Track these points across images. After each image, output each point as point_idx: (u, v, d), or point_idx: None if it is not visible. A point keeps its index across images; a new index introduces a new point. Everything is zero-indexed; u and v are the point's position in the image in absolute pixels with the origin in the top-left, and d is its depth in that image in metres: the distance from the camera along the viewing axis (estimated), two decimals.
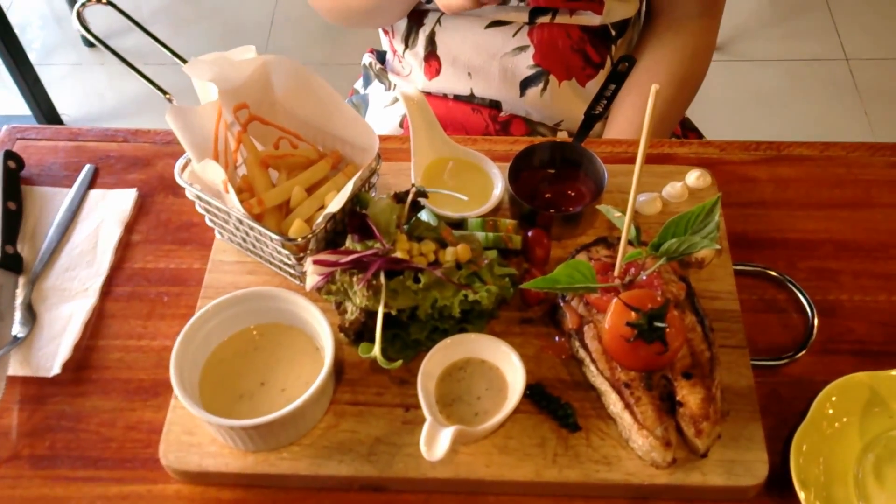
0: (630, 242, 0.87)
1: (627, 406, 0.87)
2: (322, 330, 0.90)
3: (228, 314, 0.94)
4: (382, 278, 0.87)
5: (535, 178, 1.13)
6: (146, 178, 1.25)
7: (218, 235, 1.09)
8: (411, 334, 0.94)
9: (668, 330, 0.86)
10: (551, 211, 1.06)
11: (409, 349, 0.96)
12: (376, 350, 0.87)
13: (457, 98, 1.44)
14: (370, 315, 0.90)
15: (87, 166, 1.25)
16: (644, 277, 0.92)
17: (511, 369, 0.92)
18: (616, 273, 0.91)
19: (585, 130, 1.15)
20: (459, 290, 0.91)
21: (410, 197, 0.94)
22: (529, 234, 1.04)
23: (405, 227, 0.95)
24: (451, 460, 0.87)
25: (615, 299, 0.88)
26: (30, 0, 3.31)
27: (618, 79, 1.23)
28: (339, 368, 0.96)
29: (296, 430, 0.89)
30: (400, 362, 0.87)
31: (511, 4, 1.30)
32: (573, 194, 1.11)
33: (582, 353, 0.93)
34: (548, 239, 1.05)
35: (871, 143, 1.24)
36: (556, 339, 0.98)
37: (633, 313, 0.86)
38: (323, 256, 0.88)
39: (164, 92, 0.97)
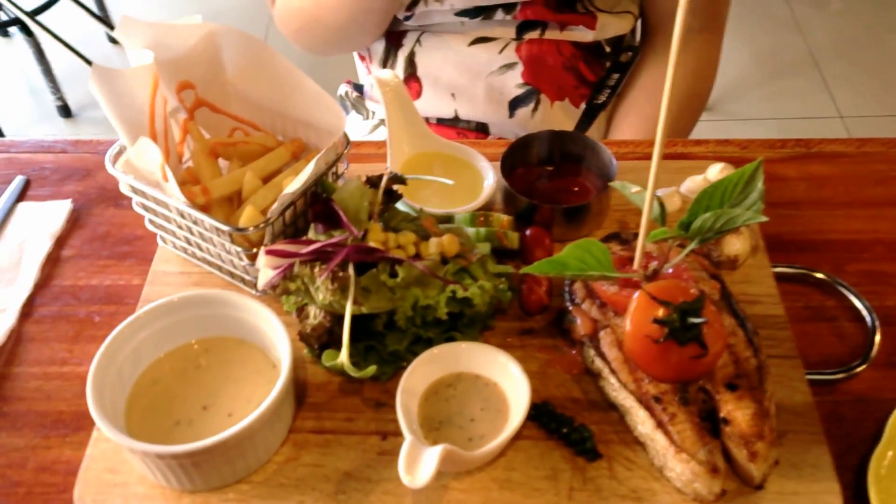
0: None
1: (660, 425, 0.71)
2: (278, 340, 0.74)
3: (164, 324, 0.78)
4: (351, 270, 0.72)
5: (531, 175, 1.00)
6: (84, 189, 1.12)
7: (160, 242, 0.94)
8: (388, 345, 0.79)
9: (706, 327, 0.70)
10: (552, 205, 0.92)
11: (387, 364, 0.80)
12: (343, 356, 0.71)
13: (440, 121, 1.33)
14: (337, 320, 0.75)
15: (18, 178, 1.12)
16: (670, 270, 0.78)
17: (512, 384, 0.76)
18: (636, 264, 0.76)
19: (588, 122, 1.03)
20: (446, 287, 0.76)
21: (384, 181, 0.80)
22: (527, 232, 0.90)
23: (379, 215, 0.80)
24: (441, 499, 0.70)
25: (638, 292, 0.73)
26: None
27: (621, 68, 1.12)
28: (300, 390, 0.80)
29: (244, 464, 0.72)
30: (373, 369, 0.71)
31: (496, 18, 1.20)
32: (576, 190, 0.97)
33: (598, 363, 0.77)
34: (549, 239, 0.90)
35: None
36: (565, 350, 0.82)
37: (661, 308, 0.71)
38: (279, 247, 0.74)
39: (88, 62, 0.84)
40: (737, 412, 0.71)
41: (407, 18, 1.25)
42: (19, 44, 2.96)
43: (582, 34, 1.23)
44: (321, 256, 0.73)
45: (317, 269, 0.71)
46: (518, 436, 0.75)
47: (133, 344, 0.77)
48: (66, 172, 1.15)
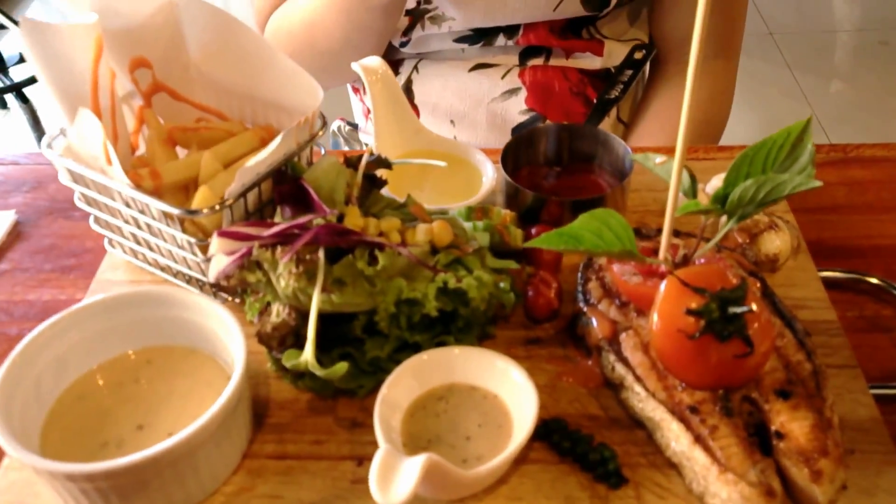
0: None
1: (698, 440, 0.60)
2: (233, 344, 0.64)
3: (96, 329, 0.68)
4: (321, 255, 0.62)
5: (537, 175, 0.91)
6: (32, 200, 1.03)
7: (108, 247, 0.85)
8: (367, 352, 0.68)
9: (751, 318, 0.60)
10: (561, 198, 0.82)
11: (366, 376, 0.69)
12: (307, 352, 0.60)
13: None
14: (304, 317, 0.64)
15: None
16: (701, 261, 0.68)
17: (515, 396, 0.65)
18: (662, 251, 0.66)
19: (599, 116, 0.95)
20: (436, 277, 0.65)
21: (365, 159, 0.71)
22: (533, 230, 0.81)
23: (359, 200, 0.71)
24: None
25: (668, 278, 0.63)
26: None
27: (634, 65, 1.05)
28: (260, 409, 0.69)
29: (183, 493, 0.60)
30: (343, 366, 0.60)
31: (498, 44, 1.15)
32: (588, 188, 0.88)
33: (620, 370, 0.66)
34: None
35: None
36: (579, 361, 0.71)
37: (695, 297, 0.61)
38: (235, 228, 0.64)
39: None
40: (792, 424, 0.60)
41: (403, 45, 1.20)
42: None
43: (589, 61, 1.17)
44: (286, 240, 0.63)
45: (279, 252, 0.61)
46: (524, 459, 0.64)
47: (56, 352, 0.66)
48: (15, 184, 1.07)
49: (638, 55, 1.06)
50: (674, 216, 0.63)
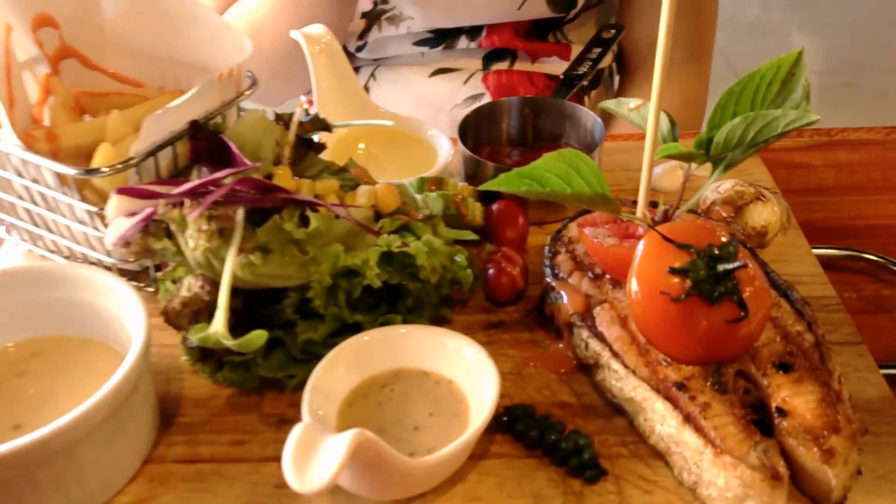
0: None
1: (688, 419, 0.52)
2: (132, 323, 0.55)
3: None
4: (240, 214, 0.54)
5: (500, 154, 0.84)
6: None
7: (4, 234, 0.75)
8: (300, 334, 0.59)
9: (744, 277, 0.53)
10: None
11: (297, 364, 0.60)
12: (217, 322, 0.51)
13: None
14: (218, 288, 0.55)
15: None
16: (680, 217, 0.61)
17: (473, 379, 0.56)
18: (640, 207, 0.59)
19: (565, 91, 0.89)
20: (380, 242, 0.57)
21: (297, 116, 0.63)
22: (495, 206, 0.73)
23: (292, 163, 0.63)
24: None
25: (647, 234, 0.56)
26: None
27: (602, 44, 0.99)
28: (169, 407, 0.60)
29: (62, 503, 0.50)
30: (260, 335, 0.51)
31: (460, 47, 1.10)
32: None
33: (595, 347, 0.58)
34: (524, 216, 0.73)
35: None
36: (548, 344, 0.63)
37: (680, 254, 0.53)
38: (138, 186, 0.55)
39: None
40: (796, 399, 0.52)
41: (360, 49, 1.14)
42: None
43: (556, 66, 1.12)
44: (198, 197, 0.55)
45: (187, 207, 0.53)
46: (485, 453, 0.55)
47: None
48: None
49: (606, 35, 1.01)
50: (652, 163, 0.55)
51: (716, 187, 0.75)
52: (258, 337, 0.50)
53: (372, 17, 1.12)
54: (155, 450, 0.57)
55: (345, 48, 1.14)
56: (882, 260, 0.76)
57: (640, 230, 0.60)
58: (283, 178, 0.60)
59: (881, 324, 0.72)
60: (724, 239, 0.55)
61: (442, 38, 1.11)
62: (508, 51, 1.13)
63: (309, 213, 0.57)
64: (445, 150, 0.79)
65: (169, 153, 0.63)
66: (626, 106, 0.60)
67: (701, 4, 1.17)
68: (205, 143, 0.60)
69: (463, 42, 1.11)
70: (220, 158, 0.60)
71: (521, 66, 1.14)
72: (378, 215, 0.62)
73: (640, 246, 0.56)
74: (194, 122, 0.60)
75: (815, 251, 0.75)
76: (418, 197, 0.69)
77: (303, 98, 0.66)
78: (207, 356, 0.60)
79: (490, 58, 1.13)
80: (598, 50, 0.96)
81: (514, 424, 0.56)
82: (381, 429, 0.54)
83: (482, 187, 0.51)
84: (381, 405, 0.56)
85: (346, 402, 0.56)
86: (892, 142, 0.99)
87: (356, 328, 0.60)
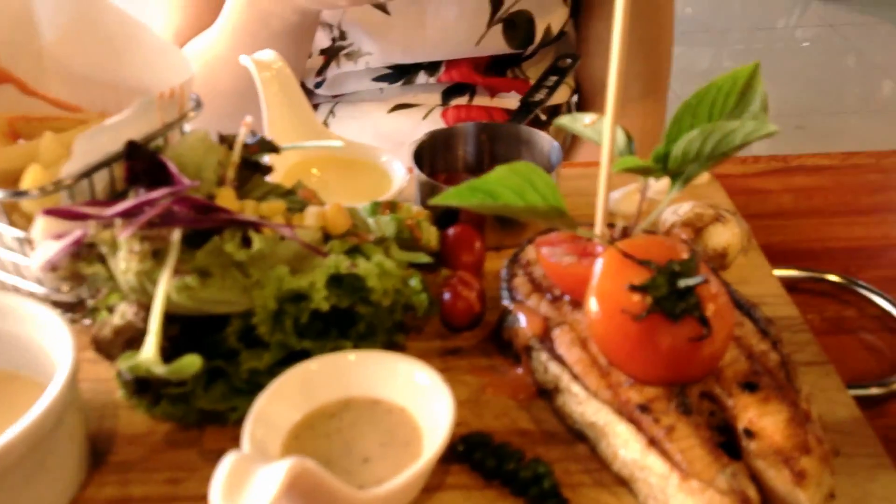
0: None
1: (653, 443, 0.49)
2: (58, 352, 0.51)
3: None
4: (176, 234, 0.51)
5: (455, 180, 0.82)
6: None
7: None
8: (243, 363, 0.56)
9: (705, 294, 0.51)
10: None
11: (240, 396, 0.56)
12: (148, 348, 0.48)
13: None
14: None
15: None
16: (641, 232, 0.59)
17: (427, 406, 0.53)
18: (598, 224, 0.57)
19: (522, 117, 0.88)
20: (327, 263, 0.55)
21: (242, 136, 0.60)
22: (451, 231, 0.71)
23: (236, 185, 0.60)
24: None
25: (606, 251, 0.54)
26: None
27: (559, 72, 0.99)
28: (101, 444, 0.56)
29: None
30: (195, 361, 0.48)
31: (419, 82, 1.09)
32: None
33: (555, 370, 0.56)
34: (481, 241, 0.71)
35: None
36: (507, 370, 0.61)
37: (640, 271, 0.52)
38: (68, 207, 0.52)
39: None
40: (764, 420, 0.50)
41: (318, 85, 1.13)
42: None
43: (516, 101, 1.12)
44: (133, 217, 0.52)
45: (118, 226, 0.50)
46: (440, 485, 0.52)
47: None
48: None
49: (562, 64, 1.01)
50: (609, 177, 0.54)
51: (674, 209, 0.74)
52: (191, 363, 0.47)
53: (330, 54, 1.11)
54: (84, 491, 0.52)
55: (303, 85, 1.13)
56: (844, 281, 0.75)
57: (599, 249, 0.58)
58: (226, 198, 0.57)
59: (845, 345, 0.71)
60: (684, 255, 0.53)
61: (401, 73, 1.11)
62: (467, 86, 1.12)
63: (252, 234, 0.54)
64: (400, 176, 0.77)
65: (106, 176, 0.60)
66: (581, 122, 0.59)
67: (655, 41, 1.18)
68: (141, 163, 0.57)
69: (422, 77, 1.11)
70: (158, 179, 0.57)
71: (481, 100, 1.14)
72: (327, 238, 0.59)
73: (599, 263, 0.54)
74: (130, 142, 0.57)
75: (777, 273, 0.74)
76: (370, 221, 0.67)
77: (248, 118, 0.63)
78: (144, 389, 0.56)
79: (449, 93, 1.13)
80: (554, 78, 0.96)
81: (471, 453, 0.53)
82: (328, 461, 0.51)
83: (432, 201, 0.49)
84: (328, 436, 0.53)
85: (291, 434, 0.53)
86: (847, 167, 0.99)
87: (305, 356, 0.57)
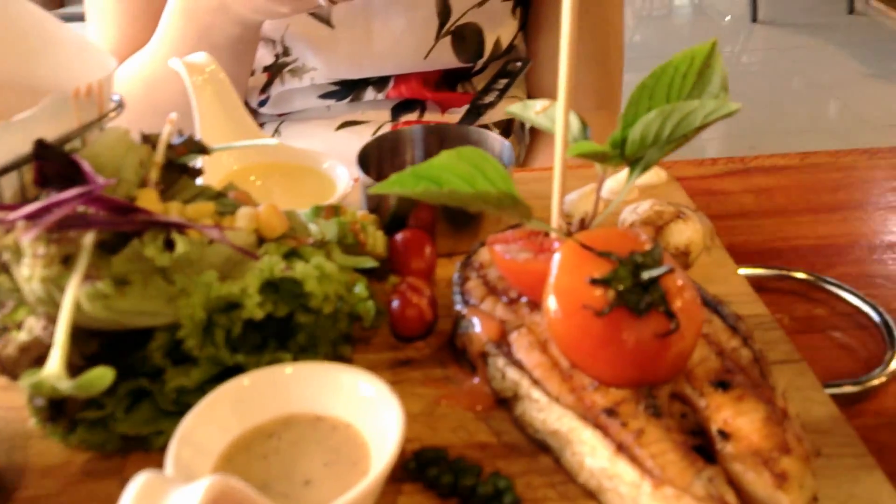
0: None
1: (622, 449, 0.45)
2: None
3: None
4: (89, 237, 0.46)
5: None
6: None
7: None
8: (169, 381, 0.50)
9: (671, 286, 0.48)
10: None
11: (166, 418, 0.51)
12: (53, 363, 0.42)
13: None
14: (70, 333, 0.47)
15: None
16: (597, 223, 0.56)
17: (375, 421, 0.49)
18: (554, 217, 0.53)
19: (472, 120, 0.85)
20: (260, 266, 0.50)
21: (166, 134, 0.56)
22: (399, 237, 0.67)
23: (161, 188, 0.55)
24: None
25: (564, 244, 0.50)
26: None
27: (509, 75, 0.96)
28: (11, 481, 0.50)
29: None
30: (105, 375, 0.42)
31: (367, 99, 1.06)
32: None
33: (513, 375, 0.51)
34: (431, 246, 0.67)
35: (863, 150, 1.01)
36: (462, 380, 0.56)
37: (601, 263, 0.48)
38: None
39: None
40: (739, 419, 0.47)
41: (262, 104, 1.09)
42: None
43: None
44: (39, 218, 0.46)
45: (20, 228, 0.44)
46: None
47: None
48: None
49: (512, 67, 0.98)
50: (564, 166, 0.50)
51: (633, 208, 0.71)
52: (101, 377, 0.41)
53: (274, 70, 1.07)
54: None
55: (247, 104, 1.09)
56: (812, 278, 0.72)
57: (556, 245, 0.55)
58: (147, 200, 0.52)
59: (816, 344, 0.68)
60: (647, 246, 0.50)
61: (348, 90, 1.07)
62: (417, 102, 1.09)
63: (176, 236, 0.49)
64: (344, 181, 0.73)
65: (15, 181, 0.55)
66: (532, 109, 0.55)
67: (605, 55, 1.16)
68: (52, 164, 0.52)
69: (370, 94, 1.07)
70: (71, 180, 0.52)
71: (431, 116, 1.11)
72: (262, 242, 0.54)
73: (557, 258, 0.50)
74: (39, 141, 0.52)
75: (743, 272, 0.71)
76: (312, 227, 0.62)
77: (173, 115, 0.59)
78: (58, 415, 0.50)
79: (399, 109, 1.09)
80: (504, 81, 0.93)
81: (425, 470, 0.48)
82: (265, 484, 0.46)
83: (372, 190, 0.45)
84: (266, 458, 0.48)
85: (223, 457, 0.48)
86: (807, 166, 0.98)
87: (239, 372, 0.52)
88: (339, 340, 0.57)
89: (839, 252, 0.81)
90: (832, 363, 0.67)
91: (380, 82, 1.07)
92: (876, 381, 0.62)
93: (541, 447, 0.51)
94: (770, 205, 0.89)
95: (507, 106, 1.10)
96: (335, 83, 1.07)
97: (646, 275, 0.47)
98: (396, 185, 0.44)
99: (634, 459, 0.44)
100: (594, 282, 0.48)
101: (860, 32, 4.24)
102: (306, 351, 0.55)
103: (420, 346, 0.61)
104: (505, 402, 0.54)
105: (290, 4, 0.82)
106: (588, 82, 1.15)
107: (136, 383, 0.51)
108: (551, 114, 0.53)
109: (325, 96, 1.09)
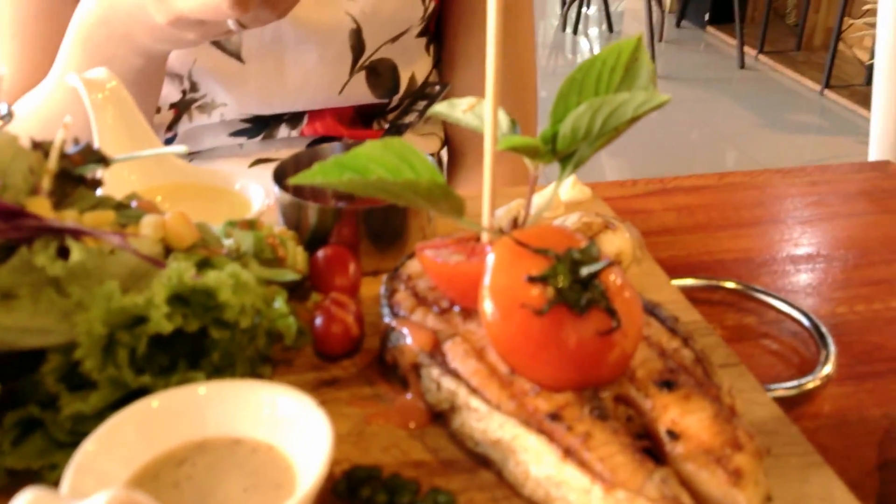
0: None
1: (569, 454, 0.42)
2: None
3: None
4: None
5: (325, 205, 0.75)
6: None
7: None
8: (65, 408, 0.45)
9: (609, 282, 0.46)
10: (357, 207, 0.66)
11: (61, 449, 0.45)
12: None
13: None
14: None
15: None
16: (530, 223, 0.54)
17: (300, 440, 0.44)
18: (485, 215, 0.51)
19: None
20: (168, 273, 0.46)
21: (59, 141, 0.51)
22: (320, 253, 0.63)
23: (56, 197, 0.50)
24: None
25: (498, 242, 0.48)
26: None
27: (428, 97, 0.95)
28: None
29: None
30: None
31: (280, 136, 1.03)
32: None
33: (449, 385, 0.48)
34: (356, 263, 0.64)
35: (776, 169, 1.04)
36: (394, 397, 0.53)
37: (537, 261, 0.46)
38: None
39: None
40: (687, 418, 0.45)
41: (169, 142, 1.04)
42: None
43: None
44: None
45: None
46: None
47: None
48: None
49: (430, 91, 0.97)
50: (495, 161, 0.48)
51: (562, 221, 0.69)
52: None
53: (181, 107, 1.02)
54: None
55: None
56: (742, 287, 0.72)
57: (488, 249, 0.52)
58: (39, 208, 0.47)
59: (749, 351, 0.68)
60: (583, 244, 0.48)
61: (260, 127, 1.03)
62: (332, 139, 1.06)
63: (71, 243, 0.44)
64: (260, 199, 0.69)
65: None
66: (458, 108, 0.53)
67: (521, 87, 1.17)
68: None
69: (283, 131, 1.04)
70: None
71: None
72: (168, 249, 0.50)
73: (491, 256, 0.48)
74: None
75: (673, 283, 0.70)
76: (227, 242, 0.58)
77: (67, 118, 0.54)
78: None
79: (314, 146, 1.06)
80: (424, 102, 0.92)
81: (357, 490, 0.44)
82: None
83: (293, 180, 0.42)
84: (177, 486, 0.43)
85: (128, 487, 0.42)
86: (725, 185, 1.00)
87: (141, 395, 0.46)
88: (258, 360, 0.53)
89: (763, 264, 0.81)
90: (766, 370, 0.66)
91: (293, 119, 1.04)
92: (811, 385, 0.62)
93: (481, 462, 0.48)
94: (692, 221, 0.90)
95: (427, 128, 1.09)
96: (246, 120, 1.03)
97: (585, 271, 0.45)
98: (319, 175, 0.41)
99: (583, 464, 0.42)
100: (532, 279, 0.45)
101: (751, 85, 4.51)
102: (221, 372, 0.50)
103: (346, 364, 0.57)
104: (441, 417, 0.50)
105: (196, 30, 0.77)
106: (505, 109, 1.14)
107: (26, 412, 0.46)
108: (479, 111, 0.52)
109: (236, 133, 1.04)
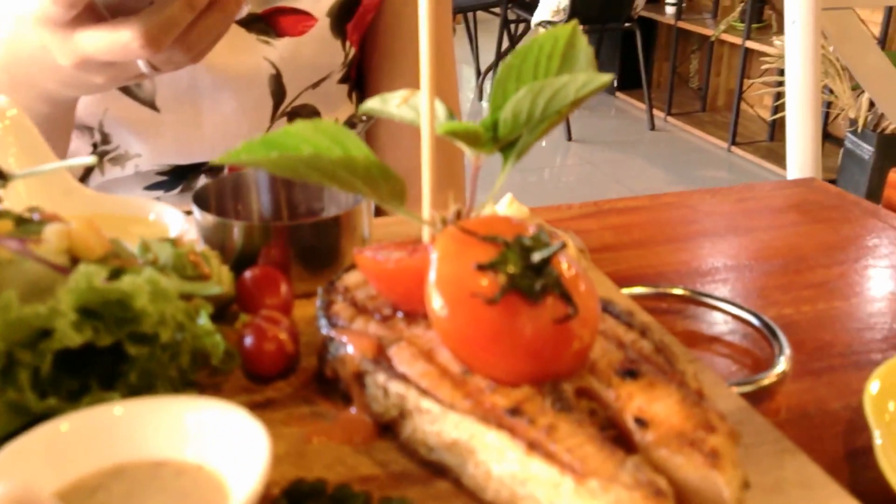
0: None
1: (534, 447, 0.39)
2: None
3: None
4: None
5: (250, 229, 0.71)
6: None
7: None
8: None
9: (561, 267, 0.43)
10: (287, 224, 0.63)
11: None
12: None
13: None
14: None
15: None
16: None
17: (232, 454, 0.40)
18: (425, 208, 0.48)
19: None
20: (76, 278, 0.41)
21: None
22: (249, 273, 0.59)
23: None
24: None
25: (443, 232, 0.45)
26: None
27: (353, 126, 0.93)
28: None
29: None
30: None
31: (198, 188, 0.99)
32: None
33: (397, 390, 0.44)
34: (287, 283, 0.60)
35: (706, 189, 1.05)
36: (336, 413, 0.48)
37: (485, 249, 0.43)
38: None
39: None
40: (655, 405, 0.42)
41: (97, 150, 0.98)
42: None
43: None
44: None
45: None
46: None
47: None
48: None
49: (355, 119, 0.95)
50: (434, 150, 0.46)
51: None
52: None
53: None
54: None
55: None
56: (689, 293, 0.71)
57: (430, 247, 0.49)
58: None
59: (701, 355, 0.67)
60: (531, 231, 0.46)
61: (178, 178, 0.98)
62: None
63: None
64: (178, 224, 0.65)
65: None
66: (391, 102, 0.51)
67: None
68: None
69: (203, 181, 0.99)
70: None
71: None
72: (75, 258, 0.45)
73: (436, 248, 0.45)
74: None
75: (622, 292, 0.69)
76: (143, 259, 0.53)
77: None
78: None
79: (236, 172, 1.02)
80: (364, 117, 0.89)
81: None
82: None
83: (219, 160, 0.38)
84: None
85: None
86: (658, 205, 1.00)
87: (46, 418, 0.41)
88: (180, 383, 0.48)
89: (705, 273, 0.81)
90: (721, 371, 0.65)
91: (214, 170, 0.99)
92: (768, 381, 0.60)
93: (437, 471, 0.43)
94: (630, 238, 0.89)
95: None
96: (163, 172, 0.98)
97: (537, 256, 0.43)
98: (244, 153, 0.38)
99: (550, 456, 0.38)
100: (481, 267, 0.42)
101: (662, 146, 4.69)
102: (139, 394, 0.45)
103: (280, 385, 0.52)
104: (389, 430, 0.46)
105: (104, 73, 0.72)
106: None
107: None
108: (414, 103, 0.49)
109: (151, 187, 0.99)
